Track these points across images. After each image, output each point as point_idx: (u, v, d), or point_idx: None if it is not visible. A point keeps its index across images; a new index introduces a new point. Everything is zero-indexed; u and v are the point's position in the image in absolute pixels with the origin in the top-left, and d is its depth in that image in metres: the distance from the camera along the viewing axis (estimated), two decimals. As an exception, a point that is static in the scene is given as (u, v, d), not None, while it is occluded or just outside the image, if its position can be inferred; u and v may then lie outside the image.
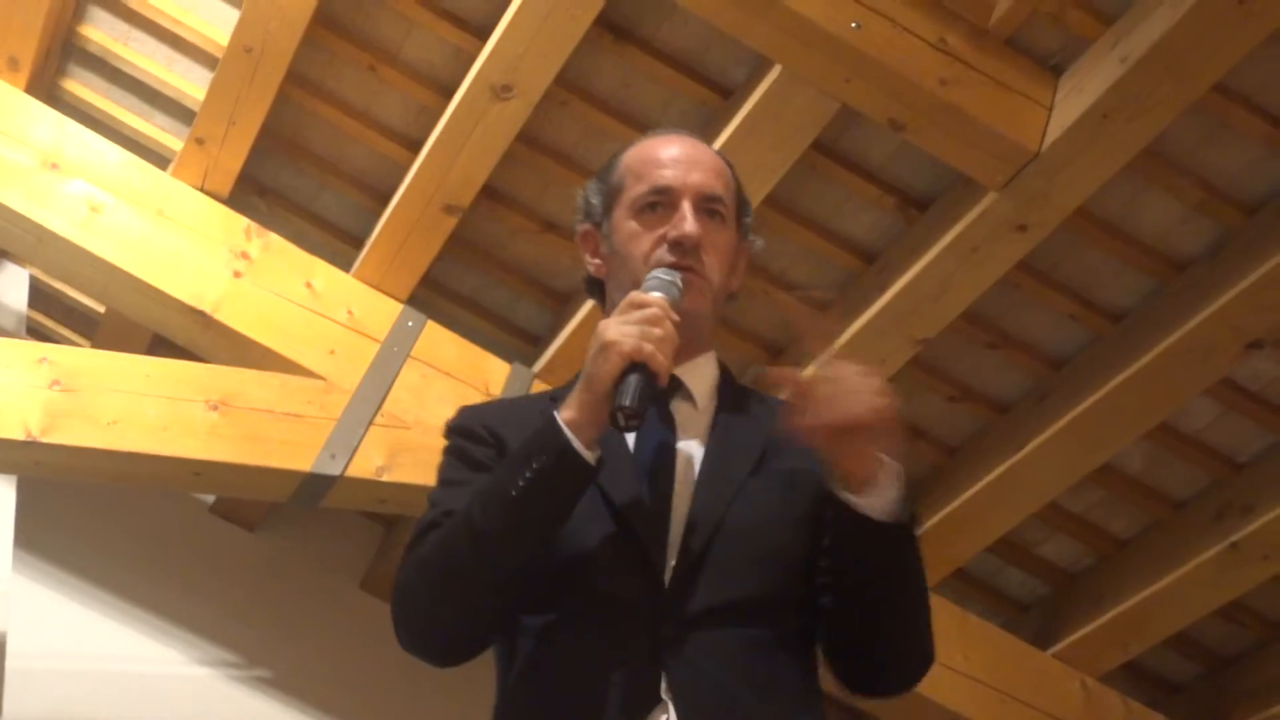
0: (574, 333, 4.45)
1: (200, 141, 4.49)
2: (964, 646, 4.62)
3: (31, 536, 5.07)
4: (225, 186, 4.56)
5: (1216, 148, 3.77)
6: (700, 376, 2.50)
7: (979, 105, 3.61)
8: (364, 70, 4.37)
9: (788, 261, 4.30)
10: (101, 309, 5.22)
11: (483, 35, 4.13)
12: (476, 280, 4.71)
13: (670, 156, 2.53)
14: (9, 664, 4.66)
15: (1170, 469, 4.43)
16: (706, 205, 2.49)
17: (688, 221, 2.45)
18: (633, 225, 2.49)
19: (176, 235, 4.46)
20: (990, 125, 3.61)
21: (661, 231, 2.46)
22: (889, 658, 2.39)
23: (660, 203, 2.48)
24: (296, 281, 4.51)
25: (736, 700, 2.25)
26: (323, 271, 4.56)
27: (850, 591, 2.32)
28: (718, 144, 3.89)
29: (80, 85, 4.74)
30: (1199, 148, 3.78)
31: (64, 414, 4.20)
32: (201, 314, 4.40)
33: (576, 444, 2.23)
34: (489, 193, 4.42)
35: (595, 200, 2.58)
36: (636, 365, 2.22)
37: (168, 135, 4.73)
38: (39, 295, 5.42)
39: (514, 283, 4.67)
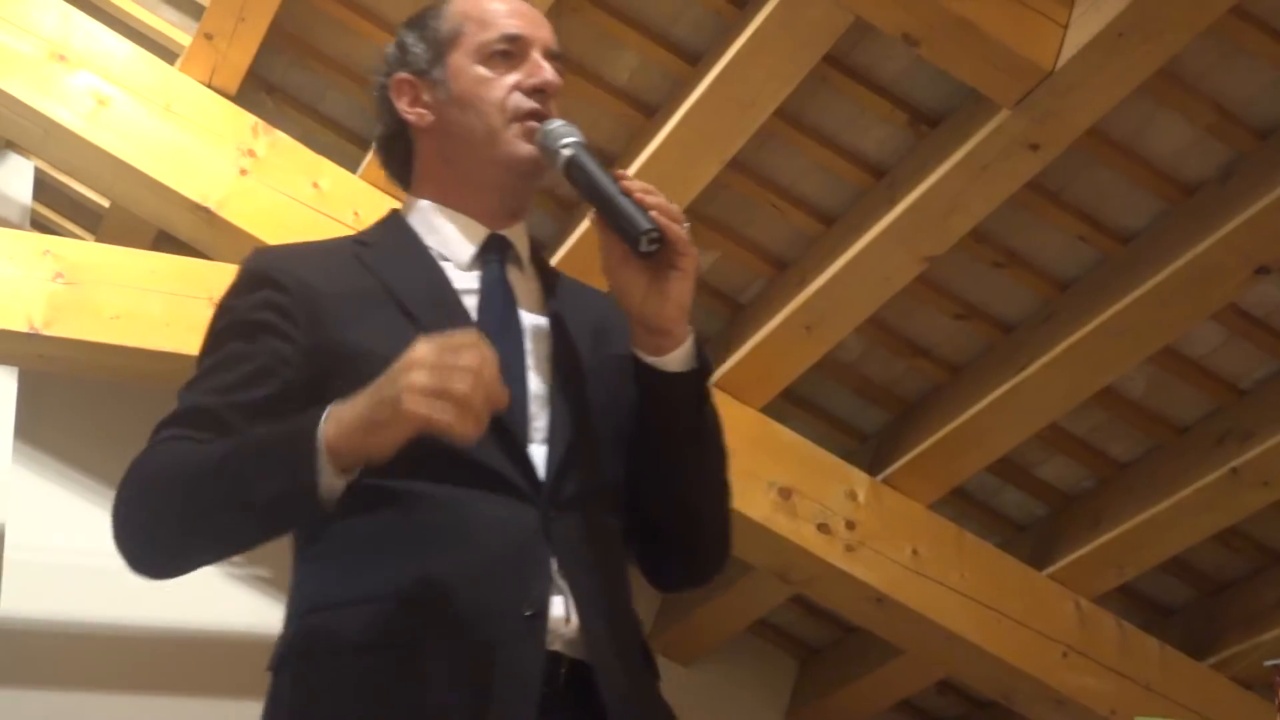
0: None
1: (209, 37, 4.45)
2: (960, 565, 4.63)
3: (32, 429, 5.08)
4: (233, 83, 4.54)
5: (1231, 71, 3.73)
6: (523, 243, 2.46)
7: (994, 21, 3.57)
8: (375, -31, 4.34)
9: (796, 175, 4.28)
10: (106, 203, 5.20)
11: (496, -64, 4.09)
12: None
13: (513, 8, 2.49)
14: (7, 555, 4.68)
15: (1173, 393, 4.41)
16: (554, 62, 2.47)
17: (548, 70, 2.43)
18: (481, 70, 2.43)
19: (183, 131, 4.44)
20: (1005, 42, 3.57)
21: (515, 79, 2.42)
22: (689, 537, 2.38)
23: (512, 51, 2.44)
24: (303, 181, 4.49)
25: (608, 590, 2.23)
26: (330, 172, 4.54)
27: (654, 457, 2.30)
28: (730, 54, 3.86)
29: (88, -25, 4.71)
30: (1213, 70, 3.74)
31: (67, 307, 4.20)
32: (207, 211, 4.38)
33: (325, 479, 2.09)
34: (497, 97, 4.38)
35: (418, 49, 2.48)
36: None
37: (176, 30, 4.69)
38: (44, 188, 5.39)
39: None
